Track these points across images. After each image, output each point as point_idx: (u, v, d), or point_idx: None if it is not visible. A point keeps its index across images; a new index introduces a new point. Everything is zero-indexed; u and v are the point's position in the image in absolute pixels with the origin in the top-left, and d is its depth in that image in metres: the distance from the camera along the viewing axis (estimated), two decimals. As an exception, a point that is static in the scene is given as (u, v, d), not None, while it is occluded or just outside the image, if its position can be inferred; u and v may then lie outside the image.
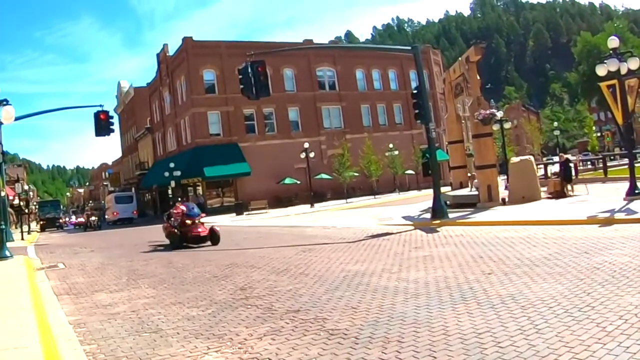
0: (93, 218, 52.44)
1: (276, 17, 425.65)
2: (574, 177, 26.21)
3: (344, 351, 5.83)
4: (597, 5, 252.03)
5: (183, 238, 20.06)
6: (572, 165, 26.80)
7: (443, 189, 24.71)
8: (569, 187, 24.32)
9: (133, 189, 75.34)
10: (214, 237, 19.98)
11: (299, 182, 53.10)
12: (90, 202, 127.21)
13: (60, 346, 6.77)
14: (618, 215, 15.00)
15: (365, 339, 6.20)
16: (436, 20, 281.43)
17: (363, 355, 5.65)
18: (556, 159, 41.02)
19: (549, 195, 24.14)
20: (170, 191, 57.22)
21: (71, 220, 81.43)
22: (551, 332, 5.72)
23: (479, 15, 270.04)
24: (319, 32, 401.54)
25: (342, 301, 8.29)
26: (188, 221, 20.09)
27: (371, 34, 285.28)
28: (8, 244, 19.79)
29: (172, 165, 51.32)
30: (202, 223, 20.73)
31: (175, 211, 21.17)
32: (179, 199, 33.74)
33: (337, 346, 6.04)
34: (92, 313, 9.06)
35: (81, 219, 64.23)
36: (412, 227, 19.73)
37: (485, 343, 5.61)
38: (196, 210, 21.05)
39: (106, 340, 7.20)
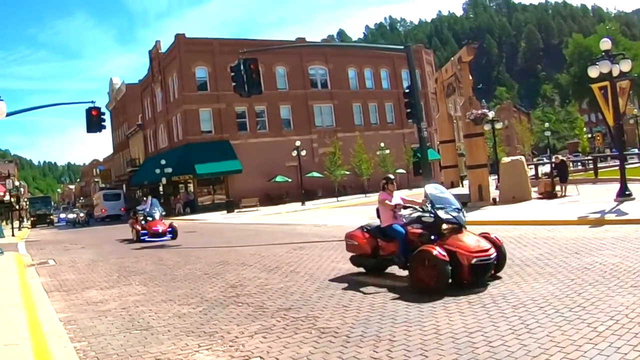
0: None
1: (267, 16, 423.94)
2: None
3: (336, 350, 5.83)
4: (589, 8, 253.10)
5: (145, 233, 22.69)
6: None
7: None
8: (562, 187, 24.42)
9: (124, 185, 75.12)
10: (173, 232, 22.69)
11: (290, 180, 52.91)
12: (81, 198, 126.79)
13: (51, 343, 6.73)
14: (608, 216, 15.07)
15: (356, 337, 6.20)
16: (429, 20, 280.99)
17: (354, 354, 5.64)
18: (547, 159, 41.14)
19: (540, 196, 24.24)
20: (161, 188, 57.04)
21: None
22: (542, 332, 5.74)
23: (471, 15, 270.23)
24: (311, 31, 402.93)
25: (334, 299, 8.29)
26: (149, 218, 23.13)
27: (363, 33, 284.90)
28: (-1, 240, 19.69)
29: (163, 162, 51.09)
30: (162, 221, 23.47)
31: (139, 208, 24.78)
32: (144, 198, 34.62)
33: (329, 345, 6.03)
34: (83, 310, 9.02)
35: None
36: (403, 226, 19.66)
37: (476, 342, 5.63)
38: (156, 210, 23.70)
39: (97, 337, 7.17)
